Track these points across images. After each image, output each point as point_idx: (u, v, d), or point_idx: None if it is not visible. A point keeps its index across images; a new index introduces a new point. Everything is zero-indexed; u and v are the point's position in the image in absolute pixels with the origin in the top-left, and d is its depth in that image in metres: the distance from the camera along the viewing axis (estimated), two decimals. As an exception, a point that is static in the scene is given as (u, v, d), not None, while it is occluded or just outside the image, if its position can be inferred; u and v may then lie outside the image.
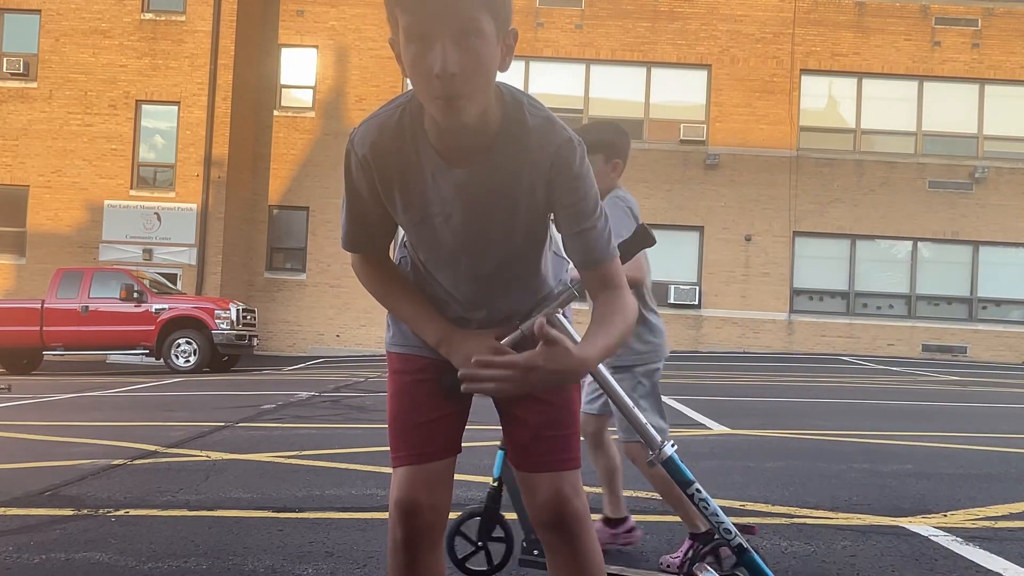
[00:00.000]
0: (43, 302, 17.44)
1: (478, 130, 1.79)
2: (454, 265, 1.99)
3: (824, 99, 25.41)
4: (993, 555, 3.76)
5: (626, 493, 4.97)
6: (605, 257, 1.90)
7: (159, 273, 21.30)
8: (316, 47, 25.22)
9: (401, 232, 2.08)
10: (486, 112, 1.78)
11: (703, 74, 25.12)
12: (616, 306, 1.88)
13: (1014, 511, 4.70)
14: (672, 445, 2.01)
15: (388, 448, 2.14)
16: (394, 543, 2.06)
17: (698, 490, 1.97)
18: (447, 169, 1.84)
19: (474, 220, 1.90)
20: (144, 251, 23.33)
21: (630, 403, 2.01)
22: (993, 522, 4.42)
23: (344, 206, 2.01)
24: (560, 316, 2.00)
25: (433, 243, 1.97)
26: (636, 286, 3.16)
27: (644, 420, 2.02)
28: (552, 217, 1.97)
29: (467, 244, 1.94)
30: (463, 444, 2.18)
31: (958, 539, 4.04)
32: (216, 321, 17.36)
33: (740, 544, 1.96)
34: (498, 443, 2.72)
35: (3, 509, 4.56)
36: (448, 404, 2.09)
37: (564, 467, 2.01)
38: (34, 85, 23.72)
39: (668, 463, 2.01)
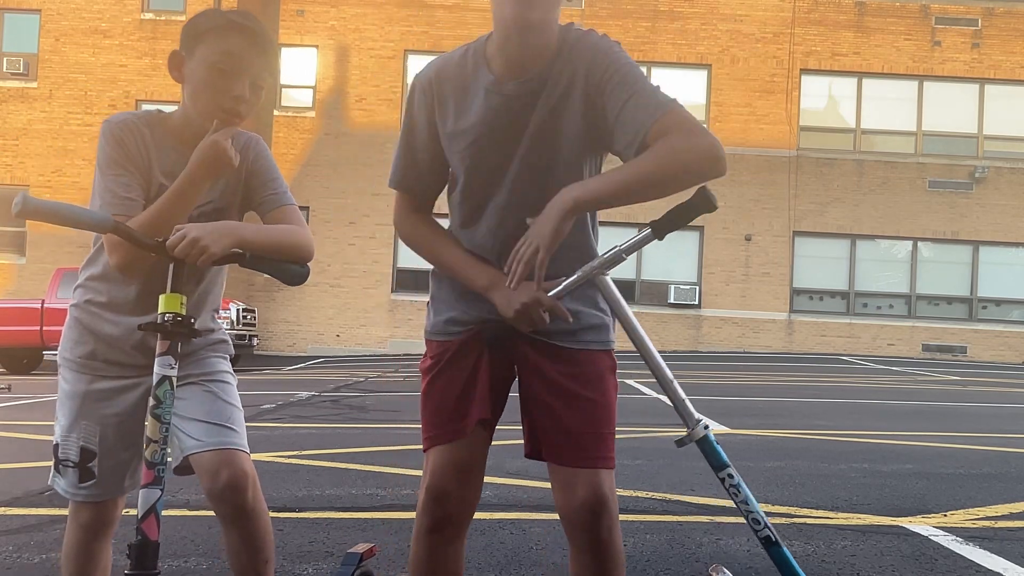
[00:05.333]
0: (43, 302, 17.43)
1: (538, 41, 1.94)
2: (497, 206, 2.03)
3: (824, 99, 25.40)
4: (993, 555, 3.76)
5: (626, 493, 4.98)
6: (668, 104, 1.90)
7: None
8: (316, 47, 25.21)
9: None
10: (548, 26, 1.94)
11: (703, 74, 25.11)
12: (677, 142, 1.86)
13: (1014, 511, 4.70)
14: (706, 426, 1.95)
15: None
16: (419, 530, 2.13)
17: (730, 475, 1.92)
18: (501, 84, 1.98)
19: (523, 137, 1.98)
20: (144, 251, 23.32)
21: (671, 376, 1.96)
22: (993, 522, 4.42)
23: (399, 142, 2.13)
24: (606, 278, 1.97)
25: (480, 170, 2.02)
26: None
27: (683, 395, 1.96)
28: (603, 120, 1.97)
29: (515, 171, 2.00)
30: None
31: (958, 539, 4.04)
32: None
33: (768, 536, 1.93)
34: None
35: (3, 509, 4.56)
36: (492, 360, 2.08)
37: (602, 465, 2.03)
38: (34, 85, 23.73)
39: (703, 443, 1.95)
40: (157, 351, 1.96)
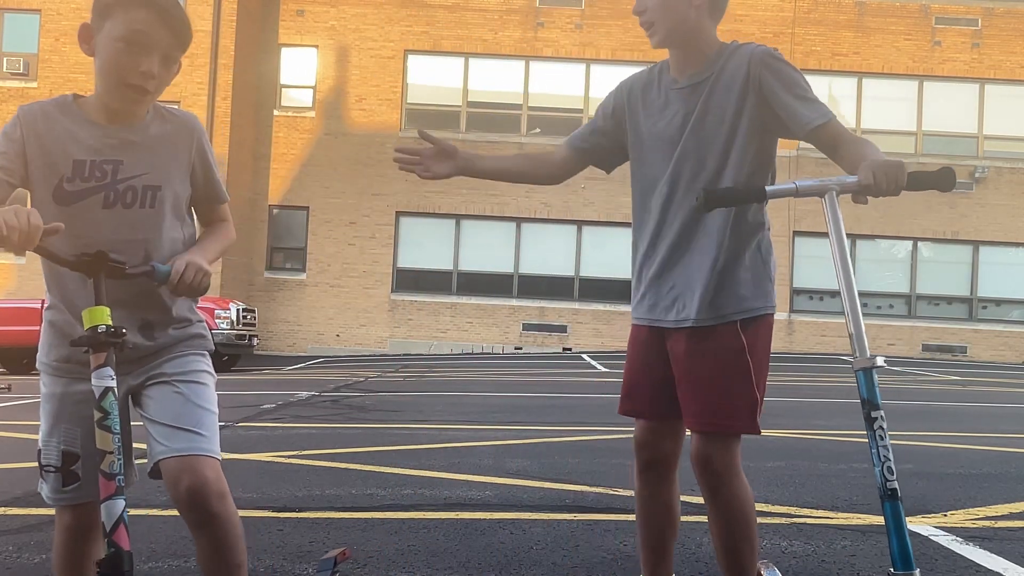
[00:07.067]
0: (43, 302, 17.39)
1: (686, 56, 2.54)
2: (662, 203, 2.49)
3: (824, 99, 25.26)
4: (993, 555, 3.76)
5: (626, 493, 4.97)
6: (829, 115, 2.50)
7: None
8: (316, 47, 25.21)
9: None
10: (692, 41, 2.52)
11: (703, 74, 25.10)
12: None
13: (1014, 511, 4.70)
14: (874, 361, 2.06)
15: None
16: (635, 470, 2.62)
17: (881, 417, 2.04)
18: (677, 81, 2.54)
19: (691, 117, 2.47)
20: (144, 251, 23.31)
21: (858, 307, 2.15)
22: (993, 522, 4.42)
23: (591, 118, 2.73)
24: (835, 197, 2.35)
25: (660, 141, 2.51)
26: None
27: (863, 329, 2.15)
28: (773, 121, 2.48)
29: (683, 143, 2.46)
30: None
31: (958, 539, 4.04)
32: (216, 321, 17.35)
33: (895, 489, 2.03)
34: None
35: (3, 509, 4.56)
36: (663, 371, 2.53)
37: (714, 429, 2.51)
38: (34, 85, 23.72)
39: (865, 374, 2.04)
40: (92, 365, 1.93)
